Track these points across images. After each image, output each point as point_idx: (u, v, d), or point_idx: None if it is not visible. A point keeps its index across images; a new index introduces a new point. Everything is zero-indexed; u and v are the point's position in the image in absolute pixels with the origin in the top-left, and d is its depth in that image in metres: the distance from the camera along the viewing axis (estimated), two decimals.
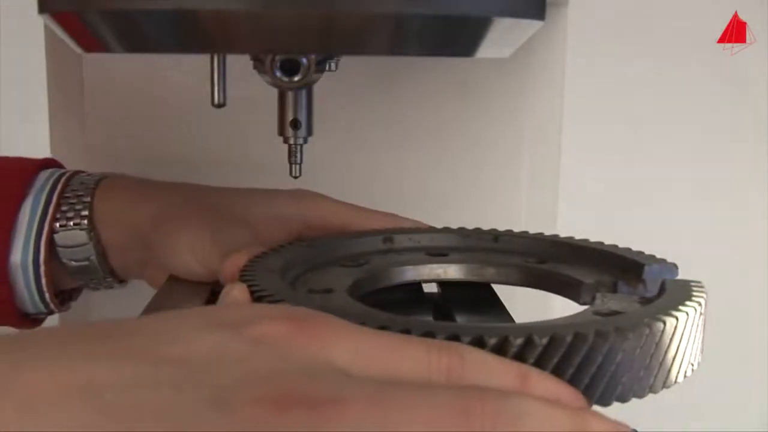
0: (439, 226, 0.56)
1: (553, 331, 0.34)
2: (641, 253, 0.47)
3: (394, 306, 0.39)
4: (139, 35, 0.41)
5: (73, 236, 0.56)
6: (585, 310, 0.41)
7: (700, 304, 0.39)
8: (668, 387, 0.37)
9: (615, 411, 0.33)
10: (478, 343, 0.34)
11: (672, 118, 0.87)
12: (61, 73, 0.73)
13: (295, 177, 0.58)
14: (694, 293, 0.40)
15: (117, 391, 0.27)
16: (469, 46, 0.43)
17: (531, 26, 0.44)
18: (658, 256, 0.47)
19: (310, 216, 0.57)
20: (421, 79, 0.76)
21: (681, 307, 0.38)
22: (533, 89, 0.76)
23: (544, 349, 0.34)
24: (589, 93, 0.82)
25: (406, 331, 0.34)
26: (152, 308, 0.50)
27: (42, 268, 0.56)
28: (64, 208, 0.56)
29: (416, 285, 0.52)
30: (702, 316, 0.39)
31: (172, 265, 0.55)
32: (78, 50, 0.45)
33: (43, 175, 0.58)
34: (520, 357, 0.34)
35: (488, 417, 0.28)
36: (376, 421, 0.27)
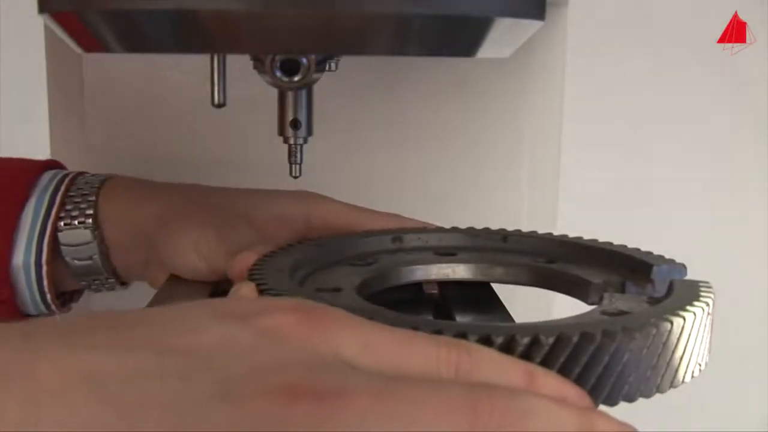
0: (439, 226, 0.56)
1: (560, 330, 0.34)
2: (650, 253, 0.47)
3: (395, 306, 0.39)
4: (139, 35, 0.40)
5: (77, 235, 0.56)
6: (593, 310, 0.41)
7: (707, 305, 0.39)
8: (675, 387, 0.37)
9: (615, 410, 0.33)
10: (486, 341, 0.34)
11: (672, 118, 0.87)
12: (61, 73, 0.73)
13: (295, 177, 0.57)
14: (702, 293, 0.40)
15: (121, 381, 0.27)
16: (469, 46, 0.43)
17: (531, 26, 0.44)
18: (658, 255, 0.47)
19: (313, 216, 0.57)
20: (421, 79, 0.75)
21: (689, 308, 0.38)
22: (533, 89, 0.75)
23: (551, 349, 0.34)
24: (589, 93, 0.82)
25: (415, 330, 0.34)
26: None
27: (44, 269, 0.55)
28: (68, 207, 0.56)
29: (416, 285, 0.52)
30: (710, 317, 0.39)
31: (176, 263, 0.55)
32: (78, 50, 0.45)
33: (47, 176, 0.58)
34: (526, 356, 0.34)
35: (496, 414, 0.28)
36: (383, 414, 0.27)
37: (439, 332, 0.33)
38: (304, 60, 0.50)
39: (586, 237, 0.52)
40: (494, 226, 0.55)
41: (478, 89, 0.76)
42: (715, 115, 0.87)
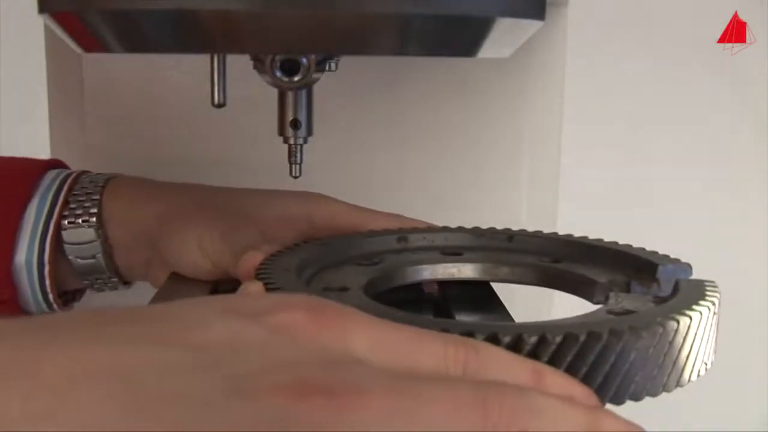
0: (440, 226, 0.56)
1: (567, 329, 0.34)
2: (655, 252, 0.47)
3: (395, 305, 0.39)
4: (139, 35, 0.40)
5: (80, 233, 0.56)
6: (599, 309, 0.41)
7: (713, 304, 0.39)
8: (682, 386, 0.37)
9: (615, 410, 0.33)
10: (493, 340, 0.34)
11: (672, 118, 0.87)
12: (61, 73, 0.73)
13: (295, 177, 0.57)
14: (708, 293, 0.40)
15: (128, 377, 0.26)
16: (469, 46, 0.43)
17: (531, 26, 0.44)
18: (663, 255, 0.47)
19: (316, 216, 0.57)
20: (421, 79, 0.75)
21: (695, 307, 0.38)
22: (533, 89, 0.75)
23: (558, 348, 0.34)
24: (589, 93, 0.82)
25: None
26: None
27: (46, 268, 0.55)
28: (73, 205, 0.56)
29: (417, 284, 0.52)
30: (715, 316, 0.39)
31: (179, 262, 0.55)
32: (78, 50, 0.44)
33: (50, 175, 0.58)
34: (534, 355, 0.34)
35: (506, 412, 0.28)
36: (394, 411, 0.27)
37: (446, 331, 0.33)
38: (304, 60, 0.50)
39: (587, 237, 0.52)
40: (494, 226, 0.55)
41: (478, 89, 0.76)
42: (715, 115, 0.87)
